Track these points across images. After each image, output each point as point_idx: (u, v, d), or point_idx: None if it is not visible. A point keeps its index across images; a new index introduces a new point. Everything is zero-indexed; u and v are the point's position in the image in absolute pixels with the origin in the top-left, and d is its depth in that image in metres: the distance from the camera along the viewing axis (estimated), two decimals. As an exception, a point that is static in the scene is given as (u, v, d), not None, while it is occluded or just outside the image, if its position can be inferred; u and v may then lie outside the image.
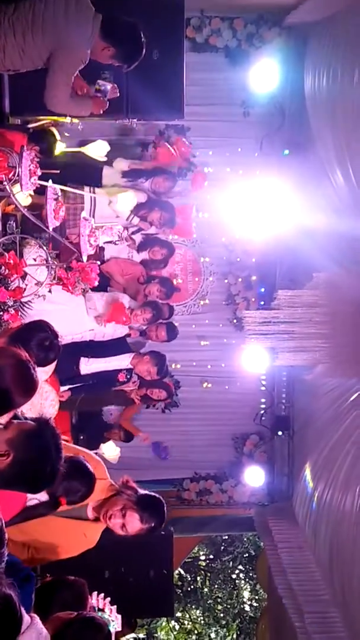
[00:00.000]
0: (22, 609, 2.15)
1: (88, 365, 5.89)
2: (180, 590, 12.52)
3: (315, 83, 6.31)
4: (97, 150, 5.81)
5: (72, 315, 5.36)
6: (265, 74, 6.86)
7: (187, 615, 13.35)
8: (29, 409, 3.61)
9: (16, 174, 3.94)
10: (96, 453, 4.38)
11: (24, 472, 2.45)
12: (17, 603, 2.11)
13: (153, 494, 3.57)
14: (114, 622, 4.07)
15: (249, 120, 7.27)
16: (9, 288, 4.04)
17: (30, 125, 5.71)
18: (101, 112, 4.85)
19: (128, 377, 6.13)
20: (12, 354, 2.73)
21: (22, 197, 4.27)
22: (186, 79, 6.06)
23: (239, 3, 6.49)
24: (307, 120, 6.73)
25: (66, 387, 5.73)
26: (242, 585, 13.20)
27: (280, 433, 7.69)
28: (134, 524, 3.38)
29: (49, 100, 4.34)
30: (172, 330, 6.46)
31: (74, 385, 5.86)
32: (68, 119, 5.95)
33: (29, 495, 3.21)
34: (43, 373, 4.22)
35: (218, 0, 6.42)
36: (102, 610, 4.08)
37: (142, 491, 3.53)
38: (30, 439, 2.46)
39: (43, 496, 3.36)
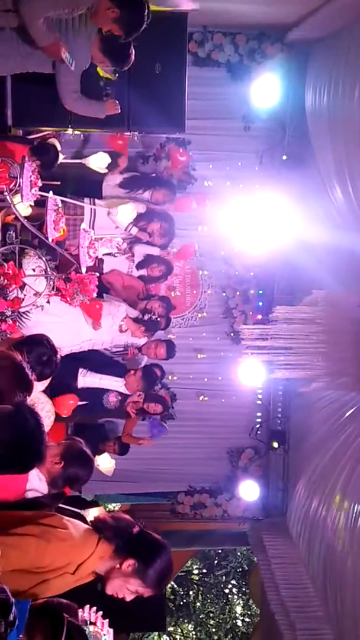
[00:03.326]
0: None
1: (84, 378, 5.89)
2: (172, 604, 12.47)
3: (316, 99, 6.35)
4: (98, 162, 5.84)
5: (69, 327, 5.35)
6: (266, 89, 6.89)
7: (179, 630, 13.28)
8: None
9: (17, 185, 3.96)
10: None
11: (9, 453, 2.47)
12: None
13: (145, 535, 3.00)
14: (106, 636, 4.04)
15: (250, 134, 7.29)
16: (8, 298, 4.05)
17: (33, 136, 5.74)
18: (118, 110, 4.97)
19: (120, 400, 6.16)
20: (6, 356, 2.76)
21: (23, 207, 4.28)
22: (188, 93, 6.08)
23: (241, 19, 6.52)
24: (308, 135, 6.76)
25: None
26: (235, 600, 13.14)
27: (275, 445, 7.67)
28: (139, 590, 3.03)
29: (26, 12, 4.00)
30: (171, 349, 6.53)
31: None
32: (70, 130, 6.00)
33: (28, 486, 3.21)
34: (39, 384, 4.21)
35: (220, 16, 6.45)
36: (94, 623, 4.05)
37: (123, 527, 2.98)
38: (9, 419, 2.48)
39: (42, 486, 3.35)
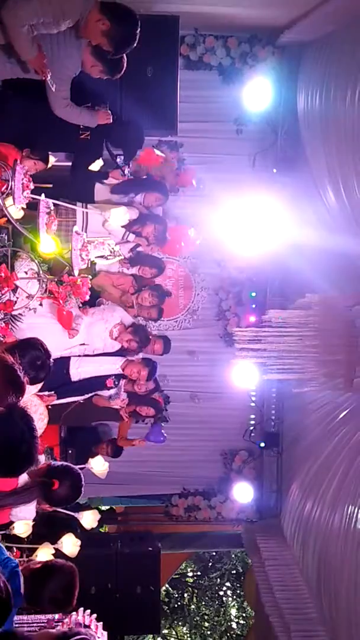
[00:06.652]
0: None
1: (79, 369, 5.80)
2: (167, 607, 12.46)
3: (308, 102, 6.37)
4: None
5: (60, 330, 5.33)
6: (258, 92, 6.91)
7: (174, 632, 13.26)
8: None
9: (9, 188, 3.95)
10: (84, 467, 4.37)
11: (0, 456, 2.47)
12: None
13: None
14: (100, 639, 4.04)
15: (242, 137, 7.32)
16: (0, 301, 4.04)
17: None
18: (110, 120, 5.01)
19: (116, 383, 6.06)
20: None
21: (15, 210, 4.27)
22: (180, 96, 6.10)
23: (233, 22, 6.54)
24: (300, 138, 6.79)
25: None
26: (230, 602, 13.14)
27: (262, 445, 7.67)
28: None
29: (8, 19, 3.97)
30: (167, 345, 6.49)
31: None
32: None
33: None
34: (32, 387, 4.21)
35: (212, 19, 6.47)
36: (88, 626, 4.04)
37: None
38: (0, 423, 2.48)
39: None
